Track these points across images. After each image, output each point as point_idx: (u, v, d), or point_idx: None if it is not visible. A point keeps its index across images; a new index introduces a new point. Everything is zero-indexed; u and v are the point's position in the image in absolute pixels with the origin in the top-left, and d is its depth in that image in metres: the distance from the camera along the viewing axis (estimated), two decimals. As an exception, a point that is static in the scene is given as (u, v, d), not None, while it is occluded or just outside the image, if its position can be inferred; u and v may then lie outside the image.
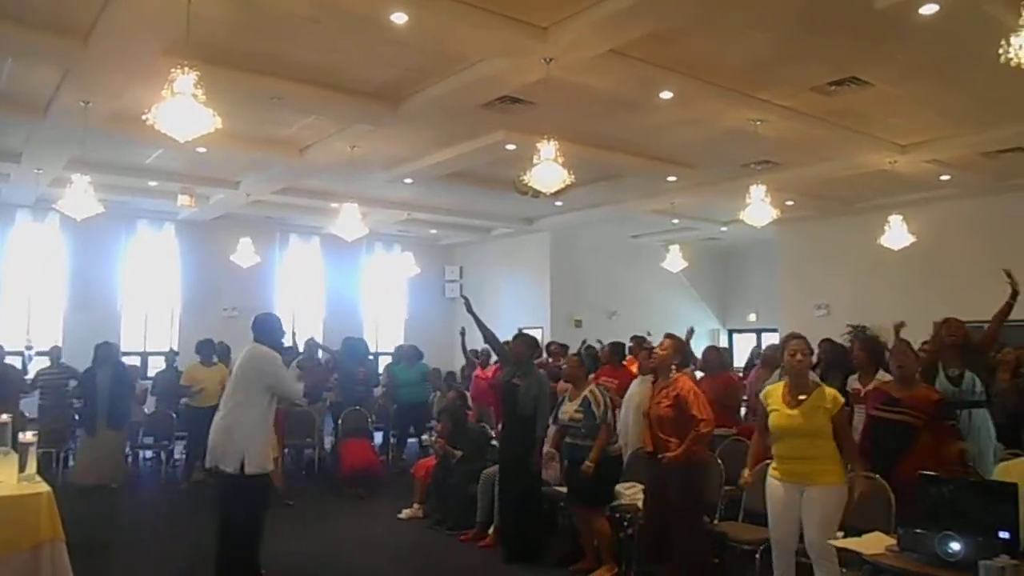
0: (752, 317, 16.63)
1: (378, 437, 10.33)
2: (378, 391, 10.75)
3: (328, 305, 15.17)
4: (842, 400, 4.16)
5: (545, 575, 5.60)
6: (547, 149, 6.47)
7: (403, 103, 7.75)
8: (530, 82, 6.84)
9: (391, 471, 9.25)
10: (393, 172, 10.49)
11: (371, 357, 11.07)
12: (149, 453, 10.05)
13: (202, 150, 8.86)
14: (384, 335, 15.66)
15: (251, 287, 13.69)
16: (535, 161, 6.50)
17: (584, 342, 9.70)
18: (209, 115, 5.05)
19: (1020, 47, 4.07)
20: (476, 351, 9.84)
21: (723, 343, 16.52)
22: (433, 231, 15.72)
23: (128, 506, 7.97)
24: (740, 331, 16.97)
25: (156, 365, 11.75)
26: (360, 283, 15.80)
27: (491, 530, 6.25)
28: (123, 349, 12.06)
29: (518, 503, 5.87)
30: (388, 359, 11.19)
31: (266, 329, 5.32)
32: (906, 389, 4.61)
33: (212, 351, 9.36)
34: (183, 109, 4.98)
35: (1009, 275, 5.71)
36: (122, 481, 8.60)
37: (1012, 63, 4.16)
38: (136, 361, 12.37)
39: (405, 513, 7.25)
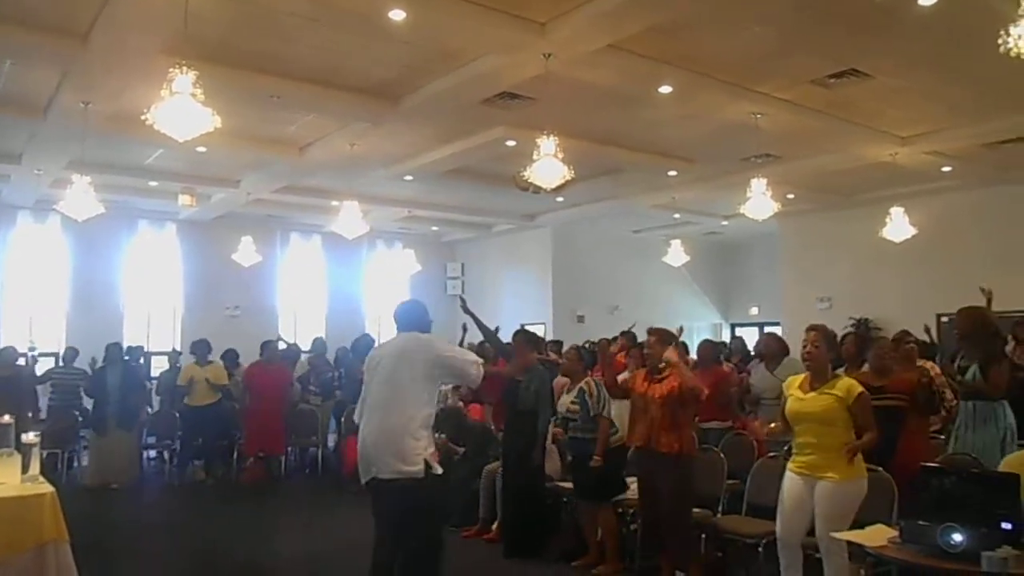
0: (754, 311, 16.61)
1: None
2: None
3: (330, 303, 15.20)
4: (858, 389, 4.10)
5: (548, 570, 5.60)
6: (547, 145, 6.47)
7: (402, 100, 7.75)
8: (529, 78, 6.84)
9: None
10: (393, 169, 10.49)
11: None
12: (153, 453, 10.07)
13: (202, 149, 8.87)
14: (386, 333, 15.66)
15: (253, 286, 13.73)
16: (535, 157, 6.50)
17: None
18: (208, 114, 5.05)
19: (1019, 37, 4.06)
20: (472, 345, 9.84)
21: (725, 337, 16.50)
22: (434, 228, 15.72)
23: (133, 506, 8.00)
24: (742, 325, 16.94)
25: (159, 365, 11.77)
26: (362, 281, 15.82)
27: (494, 526, 6.26)
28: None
29: (521, 498, 5.87)
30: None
31: (414, 317, 4.27)
32: (884, 377, 4.69)
33: (207, 350, 9.42)
34: (182, 109, 4.98)
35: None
36: (130, 481, 8.65)
37: (1012, 53, 4.15)
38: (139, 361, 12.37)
39: (408, 510, 7.25)
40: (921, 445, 4.91)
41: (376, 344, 10.15)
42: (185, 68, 4.97)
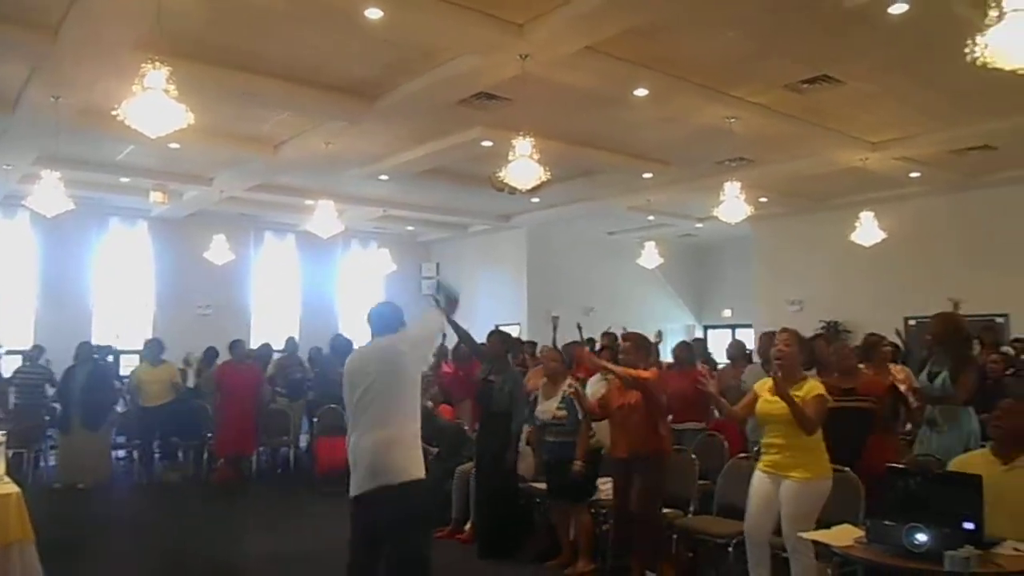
0: (727, 313, 16.75)
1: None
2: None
3: (304, 303, 15.10)
4: (817, 391, 4.20)
5: (522, 570, 5.61)
6: (523, 145, 6.49)
7: (378, 99, 7.72)
8: (506, 78, 6.85)
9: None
10: (369, 169, 10.45)
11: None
12: (122, 452, 9.94)
13: (175, 146, 8.78)
14: (361, 332, 15.56)
15: (225, 285, 13.61)
16: (511, 157, 6.52)
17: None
18: (181, 111, 5.01)
19: (986, 46, 4.13)
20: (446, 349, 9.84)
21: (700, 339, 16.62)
22: (410, 228, 15.68)
23: (101, 506, 7.90)
24: (715, 327, 17.09)
25: (131, 363, 11.60)
26: (336, 280, 15.74)
27: (467, 526, 6.26)
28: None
29: (494, 499, 5.88)
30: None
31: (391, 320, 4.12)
32: (853, 380, 4.74)
33: (160, 351, 9.31)
34: (154, 105, 4.93)
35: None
36: (100, 481, 8.54)
37: (978, 62, 4.22)
38: (108, 359, 12.18)
39: (381, 510, 7.21)
40: (889, 447, 4.98)
41: (354, 344, 10.16)
42: (158, 64, 4.93)
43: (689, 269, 17.22)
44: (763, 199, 11.73)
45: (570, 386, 5.58)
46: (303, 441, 9.97)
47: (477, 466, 6.09)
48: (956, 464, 3.81)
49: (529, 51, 6.22)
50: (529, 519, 6.13)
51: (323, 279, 15.41)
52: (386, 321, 4.08)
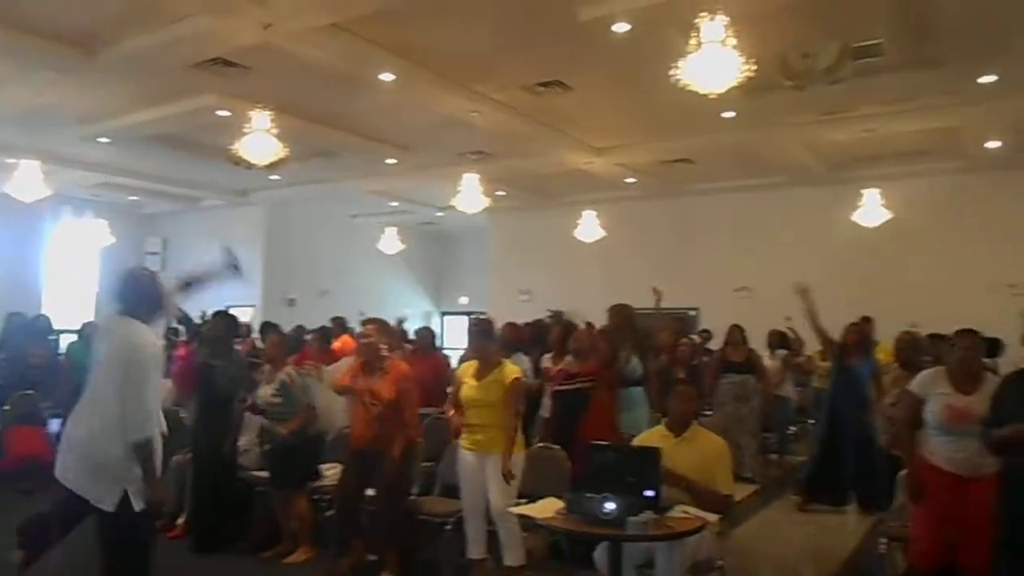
0: (464, 300, 17.30)
1: (57, 425, 9.24)
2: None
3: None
4: (513, 375, 4.60)
5: (238, 562, 5.38)
6: (261, 119, 6.25)
7: (100, 52, 7.00)
8: (246, 46, 6.55)
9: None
10: (87, 129, 9.46)
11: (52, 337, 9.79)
12: None
13: None
14: (70, 311, 13.99)
15: None
16: (248, 130, 6.24)
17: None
18: None
19: (685, 71, 4.69)
20: (175, 329, 9.18)
21: (435, 325, 17.01)
22: (133, 198, 14.36)
23: None
24: (452, 313, 17.60)
25: None
26: (41, 252, 13.99)
27: (180, 520, 5.89)
28: None
29: (212, 490, 5.58)
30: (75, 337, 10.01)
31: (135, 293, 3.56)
32: (583, 364, 5.26)
33: None
34: None
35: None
36: None
37: (679, 84, 4.78)
38: None
39: (82, 506, 6.56)
40: (603, 423, 5.24)
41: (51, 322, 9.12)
42: None
43: (429, 256, 17.57)
44: (500, 192, 12.26)
45: (287, 374, 5.45)
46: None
47: (194, 456, 5.75)
48: (640, 439, 4.28)
49: (272, 20, 5.99)
50: (248, 509, 5.89)
51: (25, 250, 13.59)
52: (130, 293, 3.53)
